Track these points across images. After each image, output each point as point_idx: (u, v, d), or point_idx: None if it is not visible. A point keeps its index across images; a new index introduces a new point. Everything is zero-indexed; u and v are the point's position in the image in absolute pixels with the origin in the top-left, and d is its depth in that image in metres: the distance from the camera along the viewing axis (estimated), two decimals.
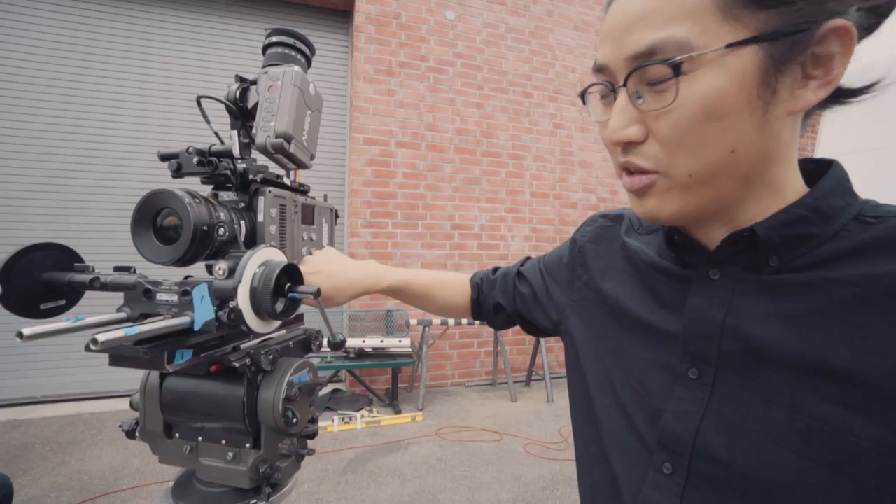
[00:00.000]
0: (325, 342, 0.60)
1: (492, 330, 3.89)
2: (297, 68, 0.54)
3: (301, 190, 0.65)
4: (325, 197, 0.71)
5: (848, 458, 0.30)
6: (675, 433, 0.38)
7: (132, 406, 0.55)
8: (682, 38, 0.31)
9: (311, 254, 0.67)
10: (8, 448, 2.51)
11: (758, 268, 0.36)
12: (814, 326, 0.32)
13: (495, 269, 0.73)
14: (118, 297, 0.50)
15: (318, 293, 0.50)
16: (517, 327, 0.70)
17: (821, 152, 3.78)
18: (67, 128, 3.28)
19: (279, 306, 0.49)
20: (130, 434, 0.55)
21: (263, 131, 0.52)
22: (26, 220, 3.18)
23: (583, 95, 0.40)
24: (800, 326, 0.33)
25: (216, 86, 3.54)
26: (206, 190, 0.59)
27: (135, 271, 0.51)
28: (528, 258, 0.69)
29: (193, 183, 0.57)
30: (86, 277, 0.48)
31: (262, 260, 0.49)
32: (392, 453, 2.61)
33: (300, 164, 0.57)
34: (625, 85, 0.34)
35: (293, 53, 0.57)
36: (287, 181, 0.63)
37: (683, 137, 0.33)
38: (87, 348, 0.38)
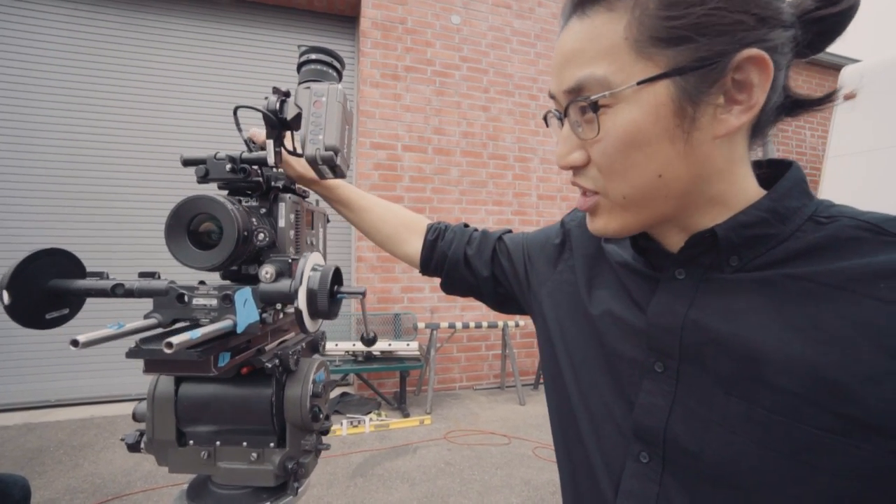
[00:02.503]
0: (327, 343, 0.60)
1: (500, 333, 3.88)
2: (339, 86, 0.58)
3: (304, 196, 0.67)
4: (318, 202, 0.73)
5: (803, 446, 0.31)
6: (647, 425, 0.40)
7: (135, 417, 0.55)
8: (601, 76, 0.34)
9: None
10: (24, 451, 2.55)
11: (720, 267, 0.38)
12: (769, 320, 0.34)
13: (465, 225, 0.71)
14: (122, 305, 0.50)
15: (364, 293, 0.54)
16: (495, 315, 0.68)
17: (833, 152, 3.73)
18: (80, 134, 3.34)
19: (332, 307, 0.53)
20: (134, 447, 0.54)
21: (312, 144, 0.55)
22: (37, 225, 3.24)
23: (546, 119, 0.44)
24: (756, 321, 0.34)
25: (228, 90, 3.59)
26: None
27: (158, 276, 0.51)
28: (509, 230, 0.68)
29: (211, 189, 0.59)
30: (106, 284, 0.48)
31: (313, 263, 0.52)
32: (401, 457, 2.61)
33: (341, 175, 0.60)
34: (567, 115, 0.38)
35: (329, 70, 0.61)
36: (295, 187, 0.65)
37: (612, 164, 0.36)
38: (136, 354, 0.40)
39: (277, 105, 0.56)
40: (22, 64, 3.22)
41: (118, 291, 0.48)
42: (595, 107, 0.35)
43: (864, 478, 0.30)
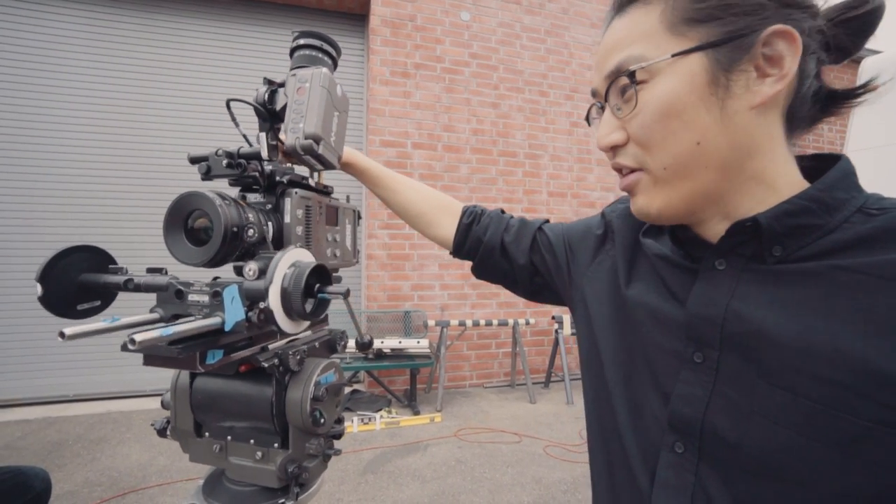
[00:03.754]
0: (350, 342, 0.59)
1: (510, 331, 3.87)
2: (325, 70, 0.54)
3: (325, 191, 0.66)
4: (348, 198, 0.72)
5: (851, 437, 0.31)
6: (684, 416, 0.39)
7: (163, 405, 0.56)
8: (638, 55, 0.38)
9: (335, 256, 0.67)
10: (43, 444, 2.61)
11: (761, 258, 0.38)
12: (816, 312, 0.34)
13: (502, 211, 0.71)
14: (152, 298, 0.51)
15: (347, 293, 0.50)
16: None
17: (851, 146, 3.63)
18: (100, 133, 3.39)
19: (309, 306, 0.49)
20: (162, 432, 0.55)
21: (293, 133, 0.52)
22: (62, 223, 3.30)
23: (588, 118, 0.47)
24: (802, 312, 0.34)
25: (240, 89, 3.62)
26: (234, 192, 0.59)
27: (166, 273, 0.52)
28: (547, 220, 0.68)
29: (222, 185, 0.58)
30: (120, 279, 0.49)
31: (292, 261, 0.49)
32: (411, 454, 2.61)
33: (328, 165, 0.57)
34: (607, 100, 0.41)
35: (320, 55, 0.57)
36: (311, 183, 0.64)
37: (651, 134, 0.38)
38: (125, 348, 0.39)
39: (266, 96, 0.55)
40: (36, 64, 3.29)
41: (129, 286, 0.49)
42: (633, 78, 0.37)
43: None
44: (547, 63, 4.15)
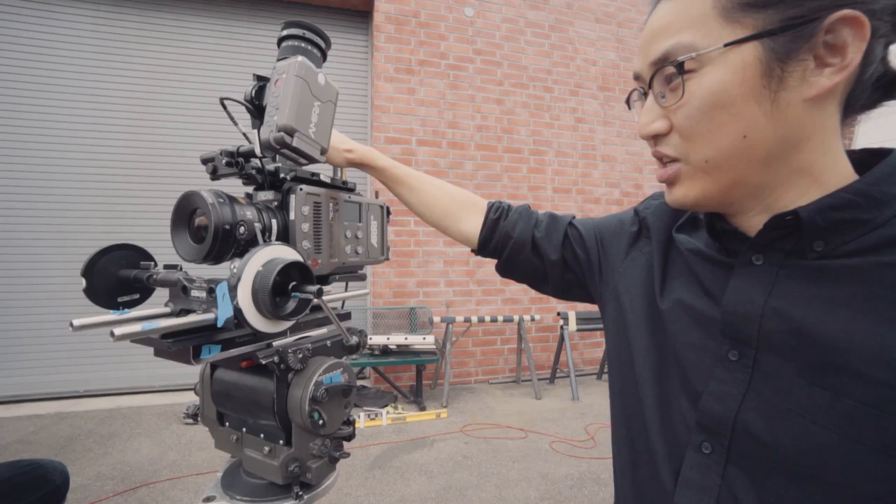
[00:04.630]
0: (366, 342, 0.59)
1: (515, 327, 3.87)
2: (300, 58, 0.52)
3: (346, 188, 0.65)
4: (377, 194, 0.71)
5: (894, 439, 0.30)
6: (715, 414, 0.38)
7: (196, 392, 0.59)
8: (688, 43, 0.35)
9: (357, 252, 0.66)
10: (56, 438, 2.66)
11: (802, 253, 0.36)
12: (861, 310, 0.32)
13: (528, 206, 0.69)
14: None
15: (318, 293, 0.47)
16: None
17: (858, 143, 3.60)
18: (111, 132, 3.42)
19: (290, 306, 0.48)
20: (194, 418, 0.60)
21: (267, 126, 0.50)
22: (70, 221, 3.34)
23: (628, 101, 0.46)
24: (846, 310, 0.33)
25: (243, 87, 3.63)
26: (244, 191, 0.60)
27: (180, 269, 0.53)
28: (573, 215, 0.66)
29: (235, 184, 0.59)
30: (143, 274, 0.51)
31: (266, 258, 0.47)
32: (418, 450, 2.63)
33: (309, 159, 0.54)
34: (651, 87, 0.39)
35: (303, 45, 0.55)
36: (326, 179, 0.63)
37: (696, 126, 0.36)
38: (150, 340, 0.41)
39: (254, 92, 0.54)
40: (46, 65, 3.31)
41: (150, 281, 0.51)
42: (681, 69, 0.36)
43: None
44: (551, 59, 4.13)
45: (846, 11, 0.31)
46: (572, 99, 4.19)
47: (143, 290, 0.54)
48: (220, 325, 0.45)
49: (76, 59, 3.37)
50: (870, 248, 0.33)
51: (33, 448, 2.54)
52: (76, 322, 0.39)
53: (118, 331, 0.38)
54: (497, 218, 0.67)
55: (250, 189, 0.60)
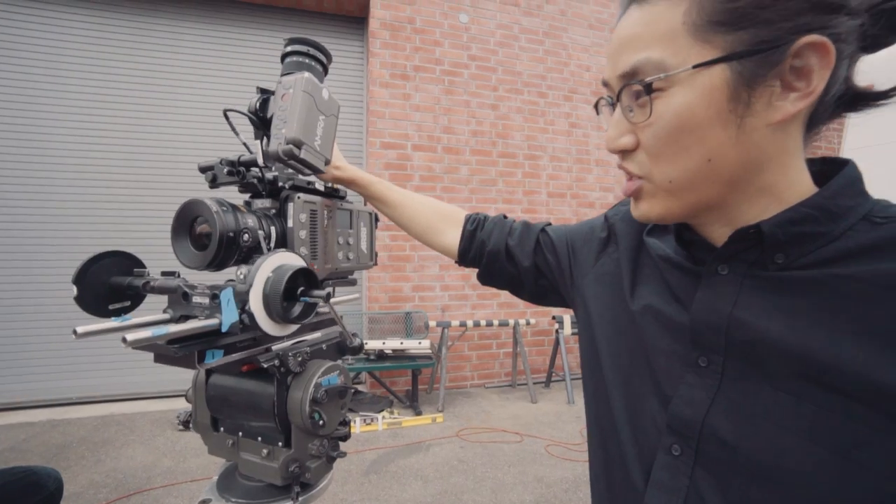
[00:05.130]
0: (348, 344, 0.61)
1: (511, 331, 3.88)
2: (307, 74, 0.55)
3: (337, 195, 0.67)
4: (365, 202, 0.73)
5: (854, 443, 0.31)
6: (684, 417, 0.39)
7: (187, 399, 0.59)
8: (657, 60, 0.35)
9: (348, 258, 0.69)
10: (48, 446, 2.63)
11: (764, 265, 0.37)
12: (817, 320, 0.33)
13: (504, 216, 0.71)
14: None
15: (327, 297, 0.50)
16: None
17: (850, 144, 3.65)
18: (106, 138, 3.41)
19: (296, 310, 0.50)
20: (186, 425, 0.59)
21: (276, 139, 0.53)
22: (63, 227, 3.32)
23: (596, 106, 0.44)
24: (804, 320, 0.34)
25: (239, 94, 3.64)
26: (243, 199, 0.61)
27: (178, 275, 0.54)
28: (549, 222, 0.68)
29: (232, 192, 0.60)
30: (139, 281, 0.52)
31: (275, 265, 0.49)
32: (414, 454, 2.63)
33: (314, 169, 0.57)
34: (619, 100, 0.38)
35: (307, 61, 0.58)
36: (321, 187, 0.65)
37: (662, 147, 0.36)
38: (152, 346, 0.42)
39: (258, 104, 0.56)
40: (37, 69, 3.31)
41: (147, 288, 0.52)
42: (649, 89, 0.35)
43: None
44: (545, 65, 4.17)
45: (814, 37, 0.31)
46: (566, 104, 4.24)
47: (135, 298, 0.54)
48: (224, 329, 0.46)
49: (70, 64, 3.37)
50: (827, 260, 0.35)
51: (25, 456, 2.51)
52: (80, 329, 0.39)
53: (130, 336, 0.39)
54: (474, 229, 0.70)
55: (246, 197, 0.61)
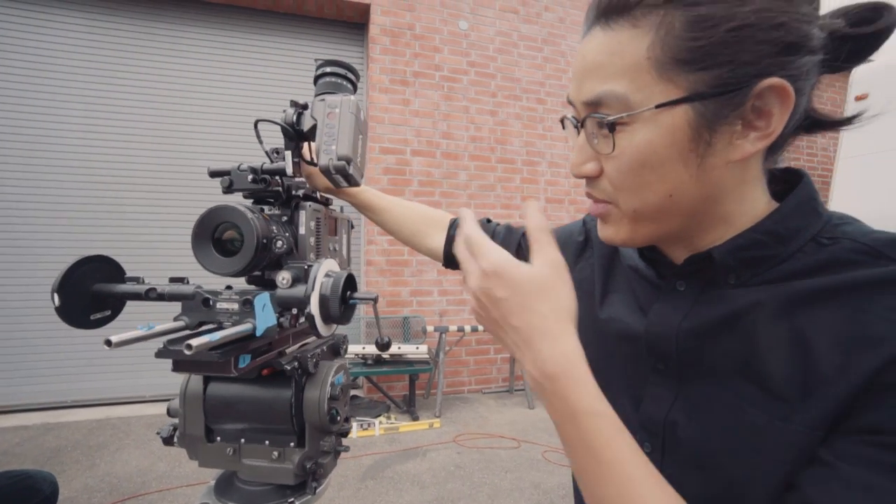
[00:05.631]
0: (349, 346, 0.61)
1: None
2: (353, 97, 0.59)
3: (326, 203, 0.69)
4: (342, 209, 0.75)
5: (745, 429, 0.35)
6: (652, 415, 0.43)
7: (170, 413, 0.58)
8: (621, 94, 0.34)
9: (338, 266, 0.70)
10: (42, 450, 2.61)
11: (718, 284, 0.40)
12: (754, 333, 0.36)
13: (488, 220, 0.73)
14: (161, 307, 0.53)
15: (376, 299, 0.55)
16: None
17: (845, 153, 3.69)
18: (104, 143, 3.41)
19: (348, 311, 0.54)
20: (168, 440, 0.57)
21: (326, 154, 0.56)
22: (57, 232, 3.31)
23: (563, 121, 0.44)
24: (743, 333, 0.37)
25: (241, 99, 3.66)
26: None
27: (188, 282, 0.54)
28: None
29: (235, 198, 0.61)
30: (141, 288, 0.51)
31: (326, 270, 0.54)
32: (410, 460, 2.62)
33: (354, 183, 0.61)
34: (583, 125, 0.38)
35: (344, 82, 0.63)
36: (317, 195, 0.67)
37: (623, 181, 0.37)
38: (162, 354, 0.42)
39: (294, 117, 0.58)
40: (40, 74, 3.31)
41: (151, 295, 0.52)
42: (612, 126, 0.35)
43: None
44: (544, 71, 4.20)
45: (774, 80, 0.31)
46: (565, 110, 4.26)
47: (115, 306, 0.53)
48: (259, 334, 0.47)
49: (69, 67, 3.37)
50: (772, 280, 0.37)
51: (19, 460, 2.49)
52: (114, 339, 0.38)
53: (195, 342, 0.39)
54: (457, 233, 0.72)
55: (249, 203, 0.62)
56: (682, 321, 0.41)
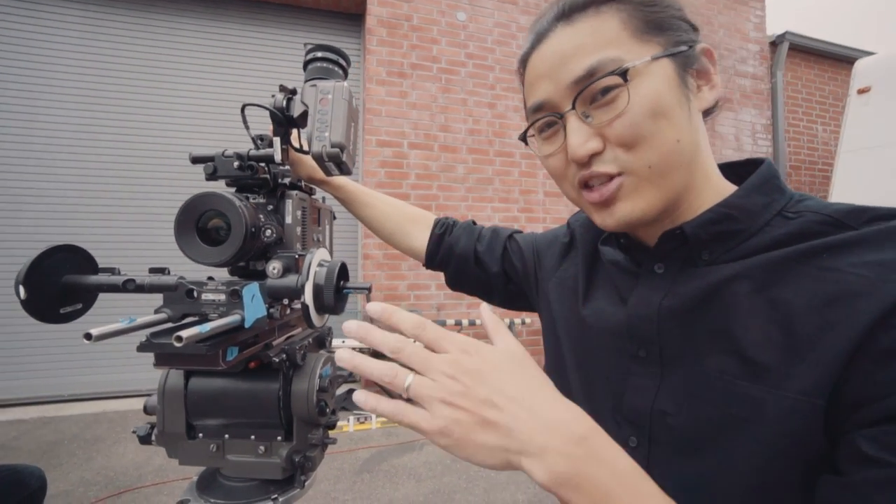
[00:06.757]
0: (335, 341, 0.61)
1: None
2: (345, 84, 0.58)
3: (310, 193, 0.67)
4: (324, 199, 0.74)
5: (738, 404, 0.35)
6: (636, 406, 0.42)
7: (147, 411, 0.56)
8: (615, 57, 0.38)
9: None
10: (39, 444, 2.61)
11: (694, 262, 0.41)
12: (731, 306, 0.37)
13: (473, 222, 0.73)
14: (138, 300, 0.50)
15: (370, 290, 0.54)
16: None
17: (845, 147, 3.67)
18: (90, 133, 3.38)
19: (341, 301, 0.53)
20: (145, 439, 0.55)
21: (318, 141, 0.54)
22: (49, 223, 3.29)
23: (524, 138, 0.46)
24: (724, 305, 0.38)
25: (234, 90, 3.62)
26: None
27: (168, 272, 0.52)
28: (519, 230, 0.70)
29: (219, 186, 0.59)
30: (117, 279, 0.49)
31: (319, 259, 0.52)
32: (407, 453, 2.62)
33: (346, 171, 0.59)
34: (574, 108, 0.39)
35: (335, 68, 0.61)
36: (301, 184, 0.65)
37: (639, 133, 0.38)
38: (144, 348, 0.41)
39: (284, 103, 0.57)
40: (32, 64, 3.27)
41: (129, 287, 0.49)
42: (625, 76, 0.37)
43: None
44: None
45: (704, 45, 0.41)
46: None
47: (87, 299, 0.50)
48: (248, 325, 0.46)
49: (63, 58, 3.33)
50: (746, 255, 0.38)
51: (15, 454, 2.49)
52: (94, 332, 0.37)
53: (185, 334, 0.37)
54: (442, 233, 0.71)
55: (233, 190, 0.60)
56: (663, 300, 0.41)
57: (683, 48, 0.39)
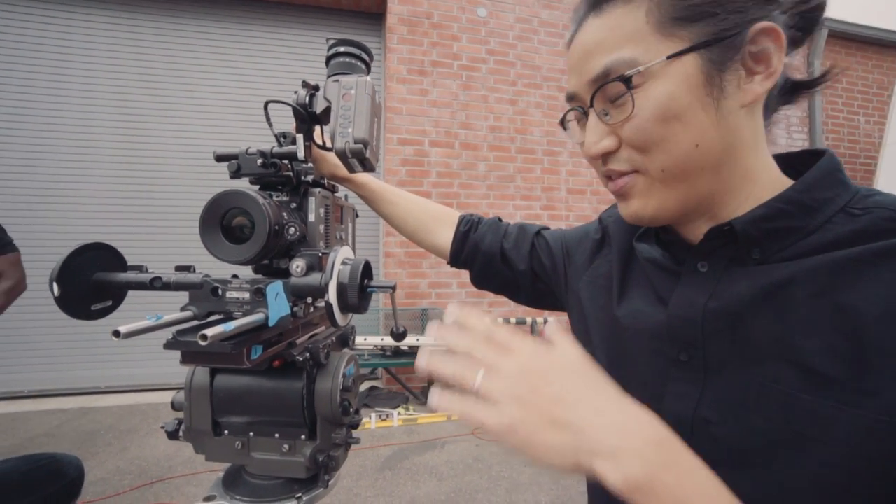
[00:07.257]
0: (358, 338, 0.60)
1: (528, 329, 3.84)
2: (368, 79, 0.56)
3: (332, 190, 0.67)
4: (347, 197, 0.73)
5: (800, 420, 0.32)
6: (676, 412, 0.39)
7: (174, 407, 0.56)
8: (629, 58, 0.36)
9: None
10: (79, 433, 2.74)
11: (742, 260, 0.38)
12: (786, 309, 0.35)
13: (499, 219, 0.71)
14: (165, 297, 0.51)
15: (394, 288, 0.53)
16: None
17: (891, 139, 3.46)
18: (118, 133, 3.52)
19: (365, 300, 0.53)
20: (173, 435, 0.56)
21: (342, 137, 0.53)
22: (79, 221, 3.44)
23: (563, 122, 0.46)
24: (779, 308, 0.35)
25: (257, 90, 3.69)
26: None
27: (194, 270, 0.53)
28: (546, 227, 0.68)
29: (243, 184, 0.59)
30: (145, 277, 0.50)
31: (343, 258, 0.51)
32: (429, 451, 2.62)
33: (369, 168, 0.59)
34: (592, 105, 0.39)
35: (357, 62, 0.60)
36: (324, 182, 0.65)
37: (648, 137, 0.36)
38: (171, 346, 0.41)
39: (307, 99, 0.56)
40: (69, 68, 3.42)
41: (156, 284, 0.50)
42: (629, 83, 0.35)
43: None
44: (565, 58, 4.08)
45: (766, 23, 0.34)
46: None
47: (117, 296, 0.51)
48: (272, 324, 0.46)
49: (96, 61, 3.47)
50: (803, 253, 0.35)
51: (57, 441, 2.62)
52: (122, 329, 0.37)
53: (210, 332, 0.38)
54: (467, 230, 0.70)
55: (256, 188, 0.60)
56: (708, 301, 0.38)
57: (715, 38, 0.35)
